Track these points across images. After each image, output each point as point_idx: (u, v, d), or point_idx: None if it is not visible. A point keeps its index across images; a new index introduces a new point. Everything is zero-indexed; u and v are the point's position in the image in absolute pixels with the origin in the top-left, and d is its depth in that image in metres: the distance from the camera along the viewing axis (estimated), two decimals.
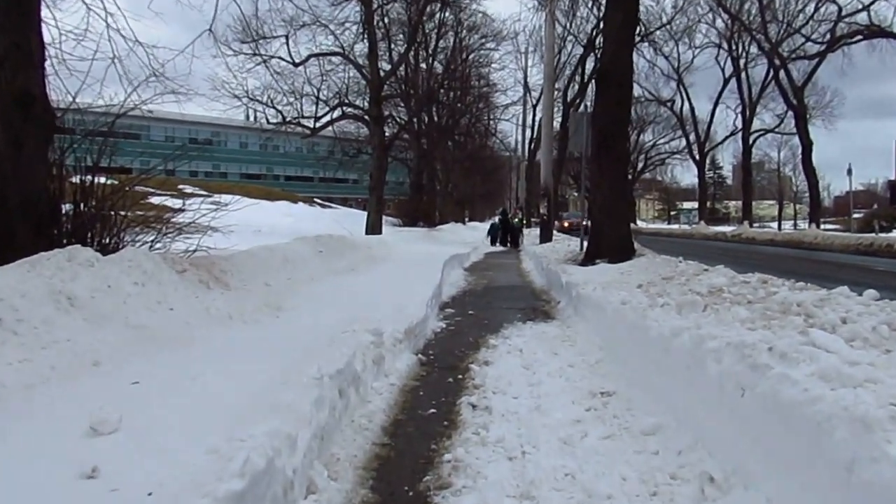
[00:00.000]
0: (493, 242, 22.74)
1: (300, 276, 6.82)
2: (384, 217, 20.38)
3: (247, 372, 3.08)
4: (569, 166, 42.80)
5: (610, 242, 8.81)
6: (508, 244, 22.13)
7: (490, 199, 60.41)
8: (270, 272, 6.24)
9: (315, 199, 41.14)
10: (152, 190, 8.58)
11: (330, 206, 39.73)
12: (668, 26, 32.22)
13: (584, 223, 11.82)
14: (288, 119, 19.35)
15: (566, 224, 30.88)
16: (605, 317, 4.81)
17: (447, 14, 23.57)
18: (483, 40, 27.53)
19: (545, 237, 17.00)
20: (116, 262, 4.21)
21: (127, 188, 5.71)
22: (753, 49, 33.85)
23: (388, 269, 9.25)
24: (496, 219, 26.40)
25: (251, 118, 20.64)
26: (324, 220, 25.39)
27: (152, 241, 5.73)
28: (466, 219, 48.24)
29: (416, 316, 5.15)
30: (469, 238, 24.10)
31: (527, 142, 40.08)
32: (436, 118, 28.66)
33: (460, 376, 4.11)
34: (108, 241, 5.26)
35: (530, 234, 23.38)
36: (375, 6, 18.62)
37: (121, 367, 3.15)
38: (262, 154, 59.43)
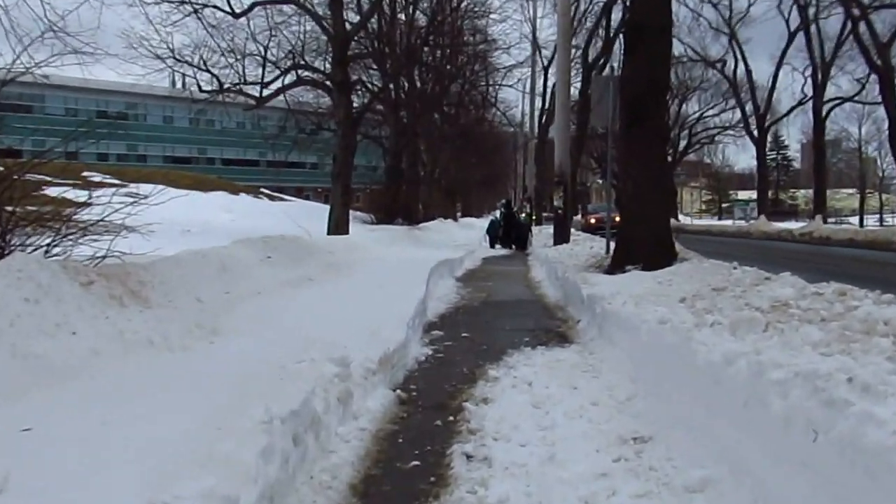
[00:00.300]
0: (492, 244, 22.82)
1: (242, 290, 6.81)
2: (352, 212, 20.36)
3: (173, 414, 3.07)
4: (591, 145, 43.08)
5: (644, 243, 8.86)
6: (513, 246, 22.20)
7: (489, 189, 60.59)
8: (204, 284, 6.23)
9: (262, 190, 41.10)
10: (49, 178, 8.54)
11: (281, 199, 39.66)
12: None
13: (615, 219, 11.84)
14: (226, 86, 19.31)
15: (593, 221, 30.33)
16: (638, 340, 4.84)
17: None
18: None
19: (561, 237, 17.09)
20: (1, 272, 4.17)
21: (16, 176, 5.67)
22: None
23: (356, 279, 9.25)
24: (497, 213, 26.48)
25: (178, 85, 20.60)
26: (273, 216, 25.30)
27: (49, 244, 5.70)
28: (458, 214, 48.36)
29: (393, 340, 5.16)
30: (462, 239, 24.16)
31: (537, 114, 40.30)
32: (418, 84, 28.73)
33: (451, 418, 4.11)
34: None
35: (541, 234, 23.46)
36: None
37: (7, 409, 3.13)
38: (193, 132, 59.40)
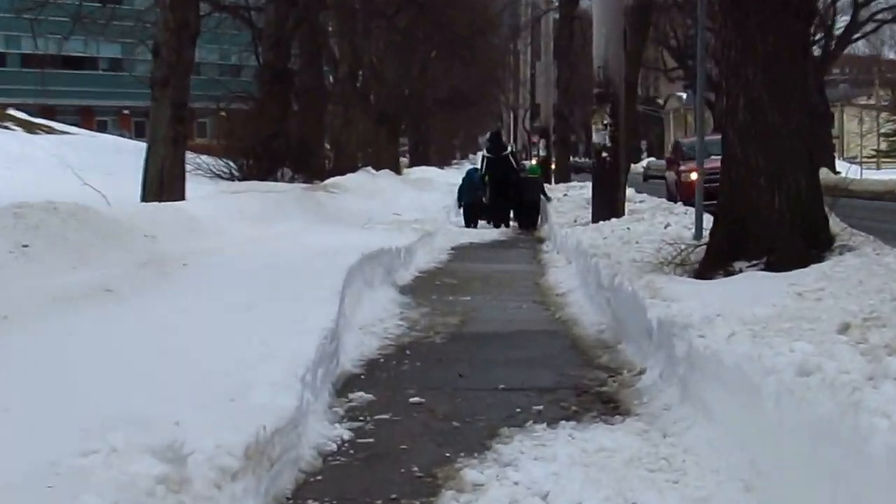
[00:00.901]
0: (471, 219, 22.93)
1: None
2: (193, 157, 20.28)
3: None
4: (664, 25, 43.43)
5: (769, 219, 8.91)
6: (511, 221, 22.36)
7: (463, 113, 60.94)
8: None
9: (10, 112, 40.93)
10: None
11: (51, 130, 39.50)
12: None
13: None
14: None
15: (694, 177, 29.12)
16: (758, 408, 4.89)
17: None
18: None
19: (605, 206, 17.14)
20: None
21: None
22: None
23: (201, 289, 9.23)
24: (479, 158, 26.62)
25: None
26: (35, 163, 25.17)
27: None
28: (405, 161, 48.57)
29: (273, 411, 5.18)
30: (411, 208, 24.28)
31: None
32: None
33: None
34: None
35: (567, 199, 23.63)
36: None
37: None
38: None
